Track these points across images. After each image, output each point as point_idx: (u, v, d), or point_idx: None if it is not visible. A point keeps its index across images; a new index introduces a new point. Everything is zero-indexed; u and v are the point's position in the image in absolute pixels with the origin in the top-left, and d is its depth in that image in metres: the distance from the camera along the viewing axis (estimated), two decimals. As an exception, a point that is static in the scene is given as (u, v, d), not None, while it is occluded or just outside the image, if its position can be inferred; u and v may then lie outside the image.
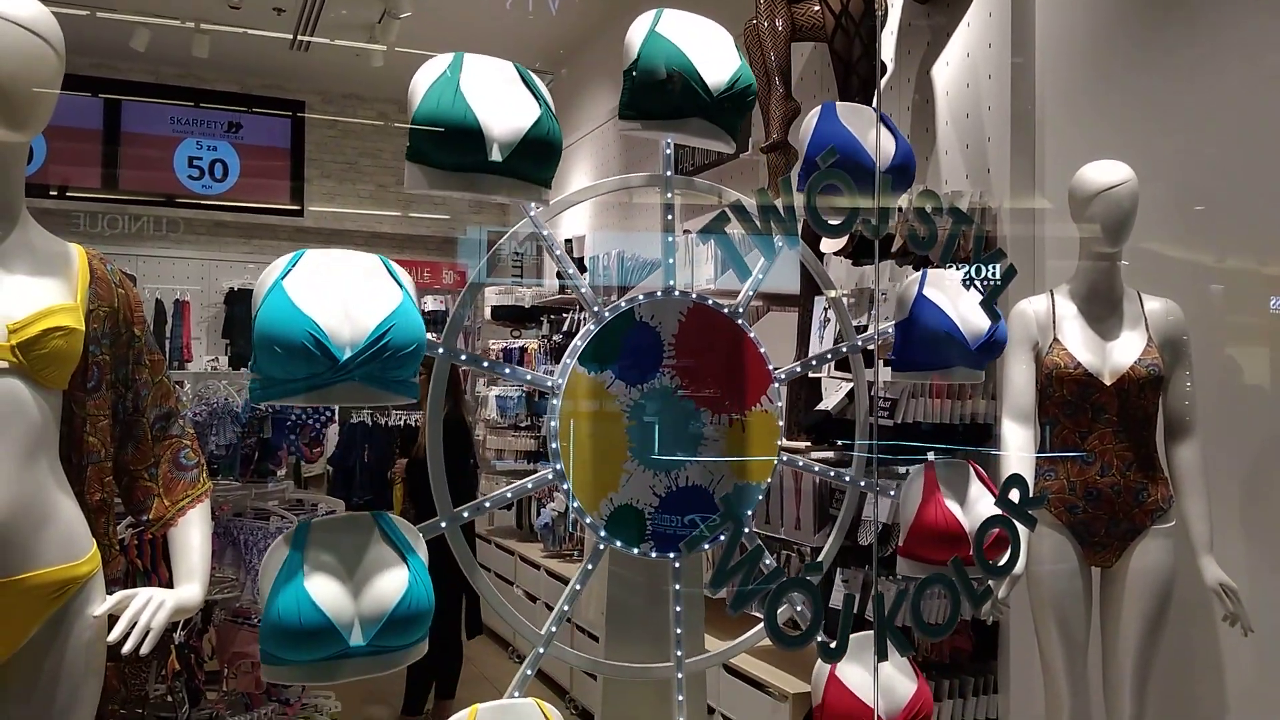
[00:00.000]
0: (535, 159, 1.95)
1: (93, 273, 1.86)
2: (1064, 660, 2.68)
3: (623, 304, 2.18)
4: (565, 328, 6.26)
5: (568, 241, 6.42)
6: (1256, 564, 2.73)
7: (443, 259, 8.77)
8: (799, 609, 2.20)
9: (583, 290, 2.15)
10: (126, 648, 1.72)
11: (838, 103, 2.43)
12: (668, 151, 2.27)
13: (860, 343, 2.51)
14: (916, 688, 2.29)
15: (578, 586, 2.16)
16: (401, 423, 7.68)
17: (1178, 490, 2.70)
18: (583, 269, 6.04)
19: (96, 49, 7.10)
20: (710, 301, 2.27)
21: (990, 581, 2.39)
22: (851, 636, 2.27)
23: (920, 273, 2.41)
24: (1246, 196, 2.81)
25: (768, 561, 2.19)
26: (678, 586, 2.18)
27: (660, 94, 2.10)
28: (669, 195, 2.25)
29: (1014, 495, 2.12)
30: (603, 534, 2.11)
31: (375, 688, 4.51)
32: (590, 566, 2.17)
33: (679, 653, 2.17)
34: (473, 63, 1.96)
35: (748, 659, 3.57)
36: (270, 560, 1.78)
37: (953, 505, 2.32)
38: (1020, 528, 2.17)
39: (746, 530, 2.25)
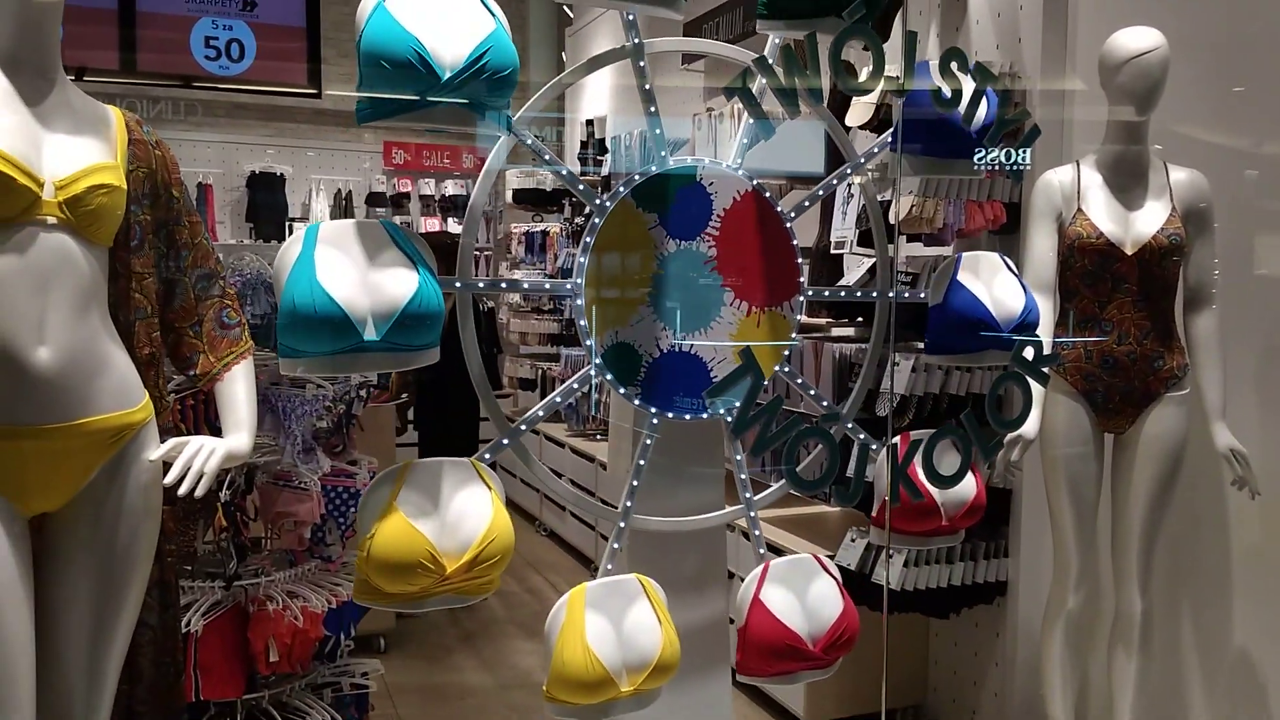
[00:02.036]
0: None
1: (130, 134, 1.90)
2: (1073, 522, 2.78)
3: (689, 159, 2.23)
4: (586, 210, 6.25)
5: (589, 122, 6.35)
6: (1267, 431, 2.79)
7: (462, 143, 8.69)
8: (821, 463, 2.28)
9: (658, 131, 2.21)
10: (182, 490, 1.83)
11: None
12: (777, 41, 2.30)
13: (892, 296, 2.52)
14: (843, 609, 2.31)
15: (557, 399, 2.24)
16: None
17: (1193, 359, 2.74)
18: (604, 150, 6.00)
19: (107, -76, 6.94)
20: (769, 194, 2.31)
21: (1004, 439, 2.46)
22: (784, 560, 2.34)
23: (955, 256, 2.43)
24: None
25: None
26: (649, 441, 2.24)
27: None
28: (760, 81, 2.24)
29: (1028, 353, 2.17)
30: (597, 361, 2.17)
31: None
32: (576, 385, 2.25)
33: (628, 503, 2.24)
34: None
35: (763, 525, 3.69)
36: (284, 257, 1.85)
37: (926, 481, 2.28)
38: (1035, 386, 2.22)
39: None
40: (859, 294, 2.60)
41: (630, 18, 2.17)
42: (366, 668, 3.13)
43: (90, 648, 1.83)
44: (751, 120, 2.25)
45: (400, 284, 1.83)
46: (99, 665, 1.84)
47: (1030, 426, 2.55)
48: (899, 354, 3.20)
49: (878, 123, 3.40)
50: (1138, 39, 2.63)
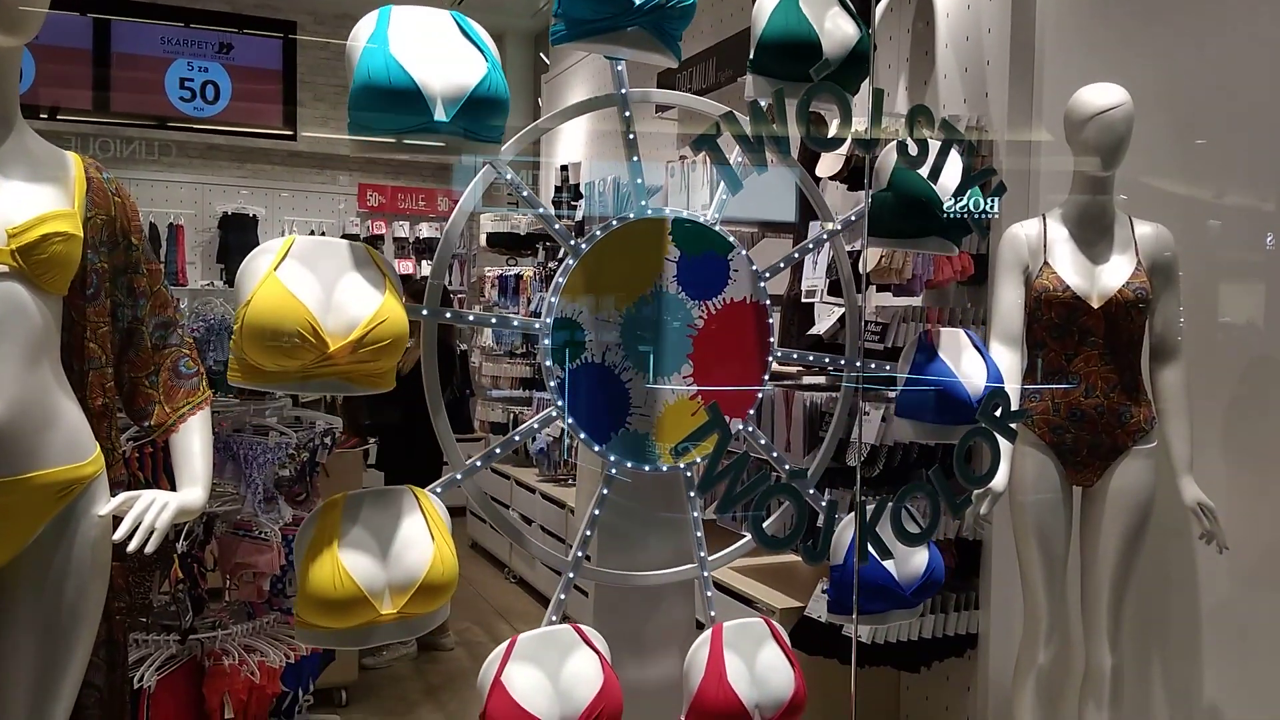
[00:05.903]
0: (853, 73, 2.30)
1: (89, 181, 1.87)
2: (1043, 576, 2.76)
3: (731, 240, 2.29)
4: (560, 254, 6.25)
5: (564, 168, 6.38)
6: (1234, 485, 2.80)
7: (438, 186, 8.71)
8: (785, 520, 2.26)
9: (722, 197, 2.30)
10: (131, 546, 1.77)
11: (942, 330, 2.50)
12: (619, 68, 2.25)
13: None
14: (601, 686, 2.04)
15: (492, 319, 2.30)
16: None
17: (1160, 412, 2.75)
18: (579, 195, 6.02)
19: (84, -35, 6.96)
20: (773, 320, 2.35)
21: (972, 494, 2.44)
22: (532, 634, 2.07)
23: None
24: (1249, 131, 2.81)
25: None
26: (553, 413, 2.20)
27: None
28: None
29: (996, 409, 2.17)
30: (548, 320, 2.11)
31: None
32: (516, 323, 2.28)
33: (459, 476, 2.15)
34: None
35: (735, 575, 3.66)
36: (357, 36, 1.90)
37: (738, 679, 2.12)
38: (1002, 442, 2.21)
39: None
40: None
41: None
42: (326, 723, 3.05)
43: (33, 708, 1.76)
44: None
45: (470, 69, 1.87)
46: (41, 727, 1.77)
47: (1000, 480, 2.54)
48: (868, 403, 3.20)
49: (848, 173, 3.43)
50: (1102, 95, 2.66)
